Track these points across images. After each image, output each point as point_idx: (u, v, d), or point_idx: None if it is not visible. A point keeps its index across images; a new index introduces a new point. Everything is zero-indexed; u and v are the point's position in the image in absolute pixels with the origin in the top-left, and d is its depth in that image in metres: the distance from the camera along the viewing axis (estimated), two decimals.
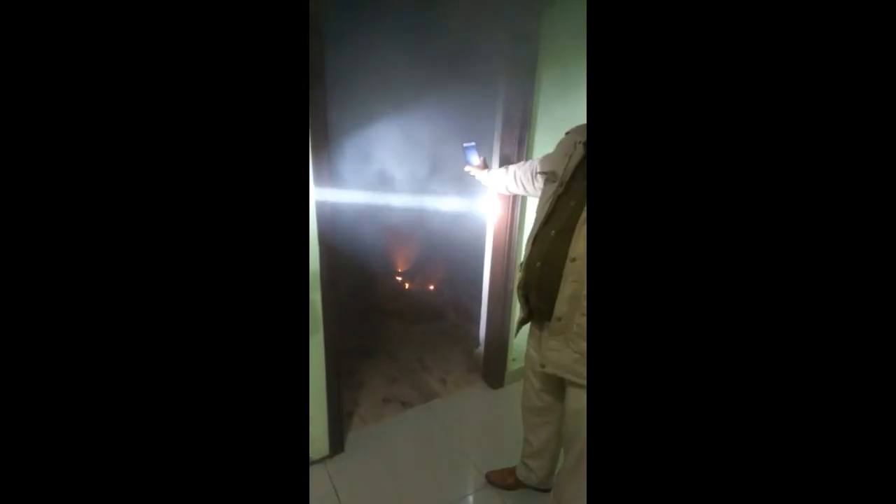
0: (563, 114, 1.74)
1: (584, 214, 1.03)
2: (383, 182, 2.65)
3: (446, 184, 2.57)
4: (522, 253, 1.38)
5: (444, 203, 2.52)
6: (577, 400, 1.14)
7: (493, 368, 2.08)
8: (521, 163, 1.46)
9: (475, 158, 1.59)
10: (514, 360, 2.09)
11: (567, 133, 1.20)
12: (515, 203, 1.79)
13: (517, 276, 1.28)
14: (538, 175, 1.31)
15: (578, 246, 1.02)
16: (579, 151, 1.10)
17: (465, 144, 1.58)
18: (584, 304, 1.03)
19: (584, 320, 1.04)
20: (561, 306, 1.07)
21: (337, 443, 1.67)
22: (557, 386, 1.27)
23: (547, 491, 1.47)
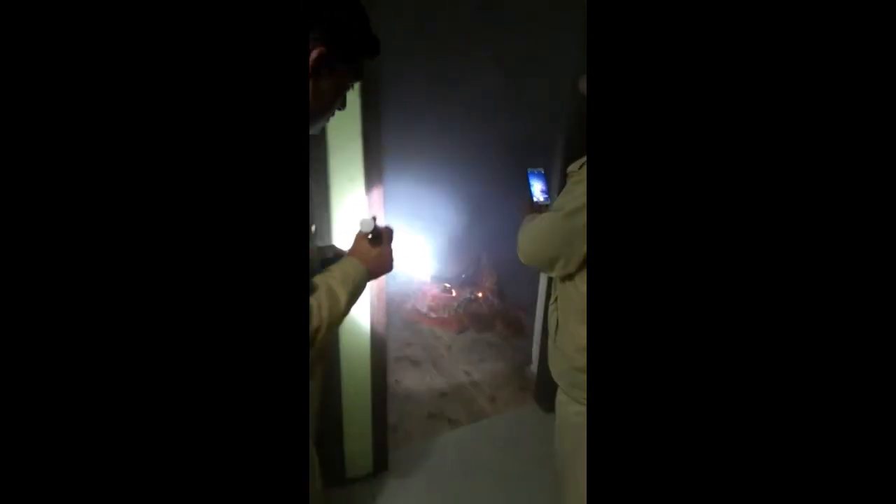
0: None
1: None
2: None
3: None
4: None
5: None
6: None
7: (546, 390, 1.93)
8: None
9: (538, 189, 1.13)
10: None
11: None
12: None
13: None
14: None
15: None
16: None
17: (530, 170, 1.13)
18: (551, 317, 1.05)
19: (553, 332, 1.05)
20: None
21: (381, 461, 1.58)
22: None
23: None
